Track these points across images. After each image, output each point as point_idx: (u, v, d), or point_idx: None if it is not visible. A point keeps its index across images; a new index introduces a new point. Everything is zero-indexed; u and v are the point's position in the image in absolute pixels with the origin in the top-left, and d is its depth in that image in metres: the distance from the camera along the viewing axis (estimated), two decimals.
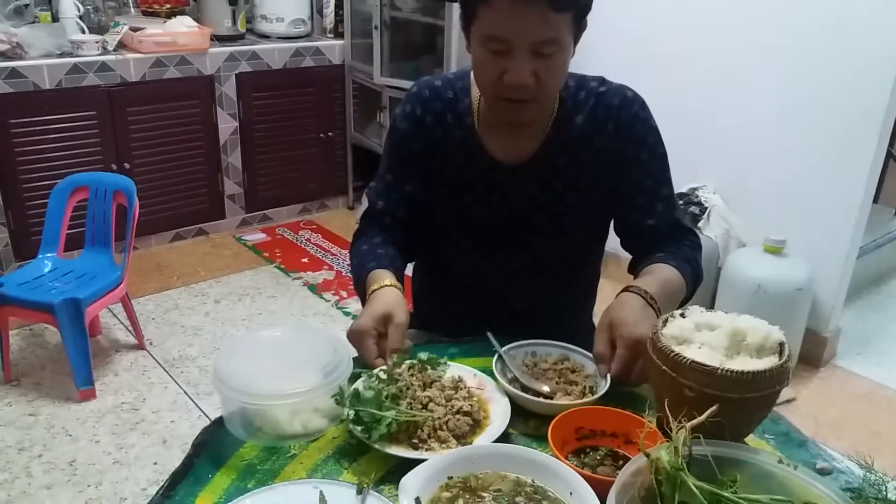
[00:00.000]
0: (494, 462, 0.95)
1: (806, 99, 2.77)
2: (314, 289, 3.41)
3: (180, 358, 2.81)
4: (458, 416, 1.04)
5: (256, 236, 3.92)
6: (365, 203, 1.45)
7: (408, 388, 1.07)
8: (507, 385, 1.12)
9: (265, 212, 4.04)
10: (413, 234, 1.41)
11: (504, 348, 1.19)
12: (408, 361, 1.13)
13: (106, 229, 2.70)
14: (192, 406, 2.55)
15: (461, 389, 1.10)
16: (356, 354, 1.16)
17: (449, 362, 1.17)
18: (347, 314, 3.19)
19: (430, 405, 1.05)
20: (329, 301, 3.31)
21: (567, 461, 0.94)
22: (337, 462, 1.00)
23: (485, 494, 0.92)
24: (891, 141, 2.85)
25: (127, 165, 3.37)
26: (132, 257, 2.76)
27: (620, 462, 1.00)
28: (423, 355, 1.15)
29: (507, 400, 1.10)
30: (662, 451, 0.80)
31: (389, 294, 1.20)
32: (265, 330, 1.18)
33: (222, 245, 3.80)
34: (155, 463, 2.27)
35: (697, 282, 1.34)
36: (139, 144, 3.44)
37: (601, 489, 0.86)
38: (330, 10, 4.00)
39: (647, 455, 0.82)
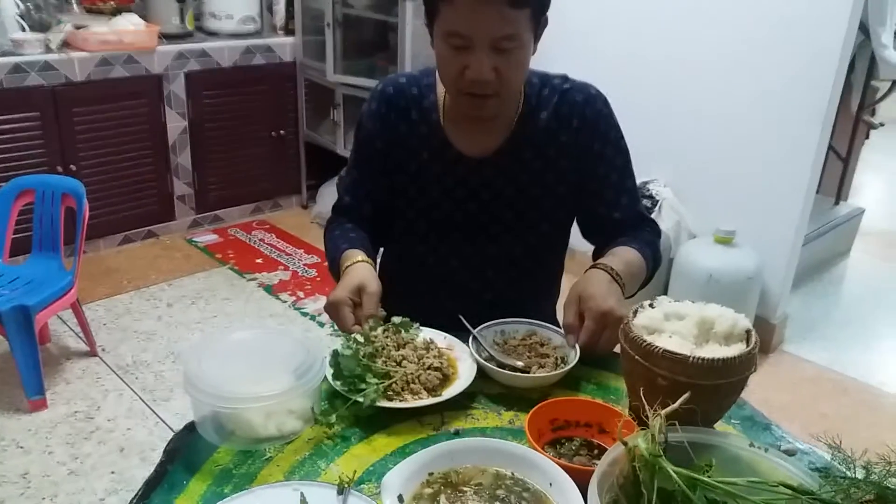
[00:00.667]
0: (474, 456, 0.96)
1: (752, 95, 2.85)
2: (270, 290, 3.37)
3: (134, 364, 2.75)
4: (429, 371, 1.12)
5: (208, 237, 3.85)
6: (335, 195, 1.50)
7: (383, 349, 1.15)
8: (483, 363, 1.17)
9: (216, 212, 3.97)
10: (379, 228, 1.46)
11: (476, 329, 1.25)
12: (382, 326, 1.20)
13: (54, 233, 2.62)
14: (148, 413, 2.49)
15: (432, 349, 1.18)
16: (326, 355, 1.15)
17: (421, 326, 1.23)
18: (305, 315, 3.16)
19: (404, 362, 1.13)
20: (286, 302, 3.27)
21: (544, 452, 0.96)
22: (314, 463, 0.99)
23: (466, 489, 0.92)
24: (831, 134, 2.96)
25: (73, 167, 3.26)
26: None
27: (595, 451, 1.02)
28: (397, 319, 1.22)
29: (471, 360, 1.18)
30: (640, 439, 0.82)
31: (362, 268, 1.26)
32: (235, 332, 1.17)
33: (173, 247, 3.72)
34: (112, 472, 2.21)
35: (657, 265, 1.42)
36: (85, 146, 3.33)
37: (579, 479, 0.88)
38: (280, 7, 3.94)
39: (625, 444, 0.83)
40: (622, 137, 1.39)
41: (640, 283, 1.36)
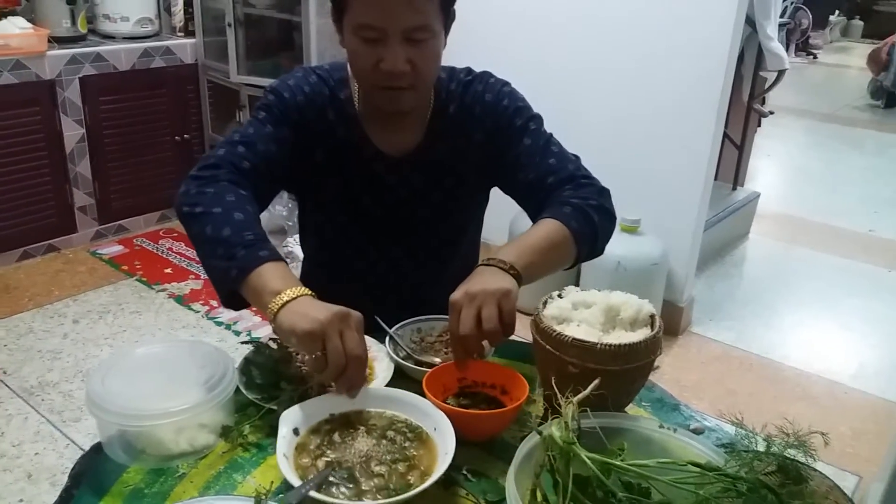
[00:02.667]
0: (376, 402, 1.04)
1: (650, 88, 2.94)
2: (181, 300, 3.26)
3: (40, 385, 2.61)
4: None
5: (113, 249, 3.70)
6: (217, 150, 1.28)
7: (296, 353, 1.13)
8: (401, 362, 1.17)
9: (121, 222, 3.82)
10: (260, 196, 1.26)
11: (392, 329, 1.25)
12: None
13: None
14: (58, 435, 2.37)
15: None
16: (238, 365, 1.13)
17: None
18: (220, 324, 3.08)
19: None
20: (198, 312, 3.18)
21: (436, 399, 1.02)
22: (230, 477, 0.97)
23: (360, 427, 0.99)
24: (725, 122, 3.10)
25: None
26: None
27: (493, 405, 1.08)
28: None
29: (388, 360, 1.19)
30: (553, 427, 0.84)
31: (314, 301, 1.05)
32: (142, 346, 1.13)
33: (76, 261, 3.55)
34: (21, 500, 2.10)
35: (603, 223, 1.27)
36: None
37: (463, 422, 0.99)
38: (178, 8, 3.82)
39: (540, 433, 0.85)
40: (530, 107, 1.38)
41: (560, 249, 1.21)
